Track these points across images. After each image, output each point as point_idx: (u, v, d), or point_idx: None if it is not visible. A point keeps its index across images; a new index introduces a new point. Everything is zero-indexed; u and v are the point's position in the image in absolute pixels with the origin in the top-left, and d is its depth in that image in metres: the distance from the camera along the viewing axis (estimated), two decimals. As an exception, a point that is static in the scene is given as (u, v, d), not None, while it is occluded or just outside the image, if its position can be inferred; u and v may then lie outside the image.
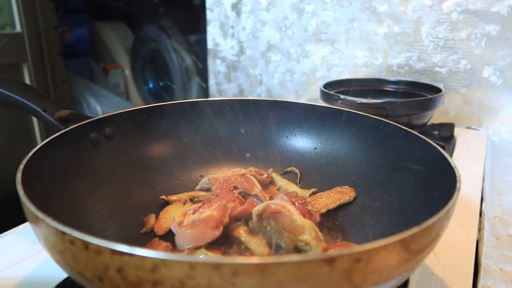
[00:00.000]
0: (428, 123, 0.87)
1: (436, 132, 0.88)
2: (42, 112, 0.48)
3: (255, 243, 0.41)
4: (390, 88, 0.96)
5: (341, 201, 0.51)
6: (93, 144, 0.49)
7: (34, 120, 1.56)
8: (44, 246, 0.30)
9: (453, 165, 0.38)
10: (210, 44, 1.35)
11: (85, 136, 0.48)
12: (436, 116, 0.88)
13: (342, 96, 0.78)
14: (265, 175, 0.55)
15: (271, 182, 0.57)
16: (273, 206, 0.41)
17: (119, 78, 2.26)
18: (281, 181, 0.57)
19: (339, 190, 0.52)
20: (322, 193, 0.53)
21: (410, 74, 1.04)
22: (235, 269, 0.23)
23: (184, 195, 0.53)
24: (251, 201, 0.46)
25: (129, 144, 0.53)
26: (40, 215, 0.28)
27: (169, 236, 0.45)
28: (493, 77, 0.95)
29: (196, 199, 0.52)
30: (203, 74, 1.76)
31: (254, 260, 0.23)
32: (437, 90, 0.84)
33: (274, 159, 0.60)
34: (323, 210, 0.50)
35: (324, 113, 0.58)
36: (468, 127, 1.00)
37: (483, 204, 0.61)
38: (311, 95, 1.21)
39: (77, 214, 0.42)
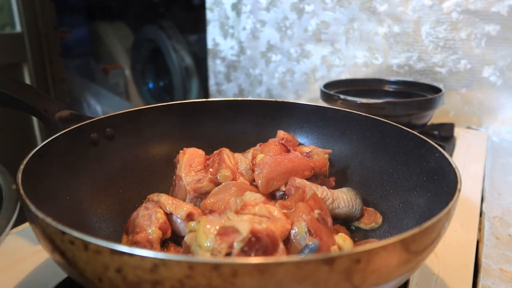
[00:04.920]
0: (428, 123, 0.87)
1: (436, 132, 0.88)
2: (43, 113, 0.48)
3: None
4: (390, 88, 0.96)
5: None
6: (94, 144, 0.49)
7: (34, 120, 1.56)
8: (44, 246, 0.30)
9: (453, 166, 0.38)
10: (210, 44, 1.35)
11: (86, 137, 0.48)
12: (436, 116, 0.88)
13: (342, 96, 0.78)
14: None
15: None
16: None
17: (119, 78, 2.26)
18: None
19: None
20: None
21: (410, 74, 1.04)
22: (234, 270, 0.23)
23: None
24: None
25: (129, 144, 0.53)
26: (40, 215, 0.28)
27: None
28: (493, 77, 0.95)
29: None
30: (203, 74, 1.76)
31: (253, 260, 0.23)
32: (437, 90, 0.84)
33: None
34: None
35: (324, 113, 0.58)
36: (468, 127, 1.00)
37: (483, 204, 0.61)
38: (311, 95, 1.21)
39: (77, 214, 0.42)
